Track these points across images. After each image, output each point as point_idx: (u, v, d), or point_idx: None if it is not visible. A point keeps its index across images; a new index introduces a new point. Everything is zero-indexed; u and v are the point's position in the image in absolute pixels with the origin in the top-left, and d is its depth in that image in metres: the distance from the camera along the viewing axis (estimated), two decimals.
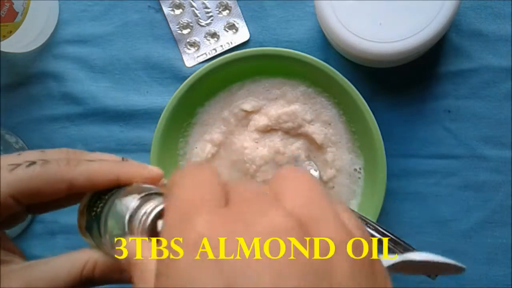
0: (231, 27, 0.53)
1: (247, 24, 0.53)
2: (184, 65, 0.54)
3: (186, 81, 0.49)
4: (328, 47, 0.52)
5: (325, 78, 0.48)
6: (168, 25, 0.54)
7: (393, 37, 0.45)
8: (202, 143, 0.51)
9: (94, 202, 0.32)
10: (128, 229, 0.30)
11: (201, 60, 0.53)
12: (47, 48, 0.55)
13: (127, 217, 0.30)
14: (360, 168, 0.50)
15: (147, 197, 0.31)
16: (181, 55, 0.54)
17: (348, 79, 0.47)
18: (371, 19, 0.45)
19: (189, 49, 0.54)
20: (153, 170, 0.33)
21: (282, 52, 0.48)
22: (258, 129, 0.50)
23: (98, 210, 0.31)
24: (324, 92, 0.50)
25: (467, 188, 0.51)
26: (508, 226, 0.50)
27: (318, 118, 0.50)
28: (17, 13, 0.48)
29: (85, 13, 0.54)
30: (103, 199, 0.32)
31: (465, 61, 0.51)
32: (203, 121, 0.52)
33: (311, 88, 0.50)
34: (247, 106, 0.51)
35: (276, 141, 0.50)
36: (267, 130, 0.51)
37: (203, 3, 0.54)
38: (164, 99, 0.52)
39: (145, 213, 0.30)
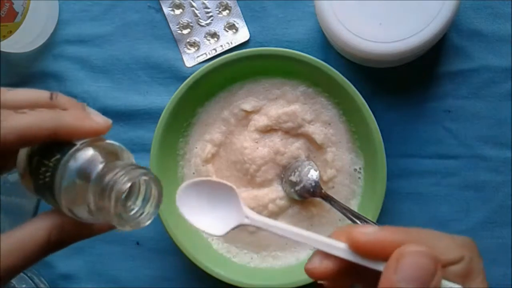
0: (231, 27, 0.53)
1: (247, 24, 0.53)
2: (184, 65, 0.54)
3: (186, 81, 0.49)
4: (328, 47, 0.52)
5: (325, 78, 0.48)
6: (168, 25, 0.54)
7: (393, 37, 0.45)
8: (202, 143, 0.51)
9: (37, 164, 0.29)
10: (98, 198, 0.28)
11: (201, 60, 0.53)
12: (47, 48, 0.55)
13: (93, 186, 0.28)
14: (360, 168, 0.50)
15: (109, 159, 0.29)
16: (181, 55, 0.54)
17: (348, 79, 0.47)
18: (371, 19, 0.45)
19: (189, 49, 0.54)
20: (96, 120, 0.30)
21: (282, 52, 0.48)
22: (258, 129, 0.50)
23: (47, 178, 0.29)
24: (324, 92, 0.50)
25: (467, 188, 0.51)
26: (508, 226, 0.50)
27: (318, 118, 0.50)
28: (17, 13, 0.48)
29: (85, 13, 0.54)
30: (48, 165, 0.29)
31: (465, 61, 0.51)
32: (203, 121, 0.52)
33: (311, 88, 0.50)
34: (247, 106, 0.51)
35: (276, 141, 0.50)
36: (267, 130, 0.51)
37: (203, 3, 0.54)
38: (164, 99, 0.52)
39: (115, 181, 0.28)
